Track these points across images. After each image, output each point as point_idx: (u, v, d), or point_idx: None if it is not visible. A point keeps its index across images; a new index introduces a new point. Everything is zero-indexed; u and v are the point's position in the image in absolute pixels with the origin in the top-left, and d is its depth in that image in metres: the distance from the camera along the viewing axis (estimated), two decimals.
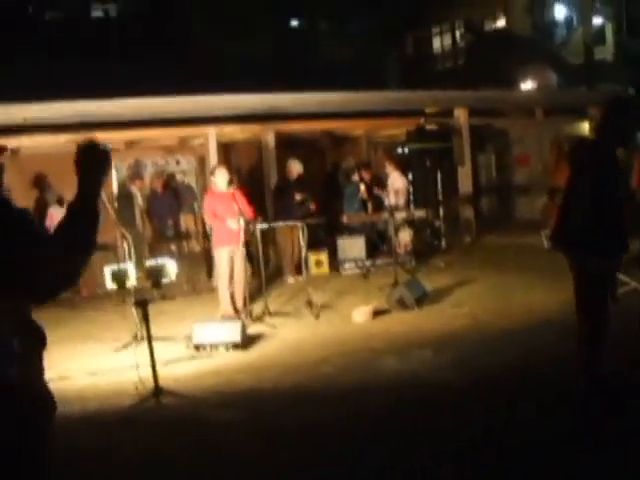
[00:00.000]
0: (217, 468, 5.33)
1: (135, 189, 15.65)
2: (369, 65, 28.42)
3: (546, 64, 30.78)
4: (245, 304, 10.48)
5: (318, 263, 14.03)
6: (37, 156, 16.63)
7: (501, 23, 34.12)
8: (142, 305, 6.49)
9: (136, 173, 16.92)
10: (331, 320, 10.05)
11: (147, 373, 7.13)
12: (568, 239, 5.95)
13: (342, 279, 13.48)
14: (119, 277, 8.74)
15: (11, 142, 14.51)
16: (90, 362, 8.69)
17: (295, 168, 13.66)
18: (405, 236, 14.29)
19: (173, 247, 15.51)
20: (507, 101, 19.30)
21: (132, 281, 8.80)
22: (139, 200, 15.57)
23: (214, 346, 8.64)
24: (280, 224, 12.10)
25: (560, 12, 33.51)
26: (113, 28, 28.59)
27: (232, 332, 8.68)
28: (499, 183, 22.76)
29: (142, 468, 5.44)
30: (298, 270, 13.12)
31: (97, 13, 30.24)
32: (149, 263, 8.64)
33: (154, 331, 9.75)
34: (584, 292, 5.89)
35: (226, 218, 10.23)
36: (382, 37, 31.53)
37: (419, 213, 13.80)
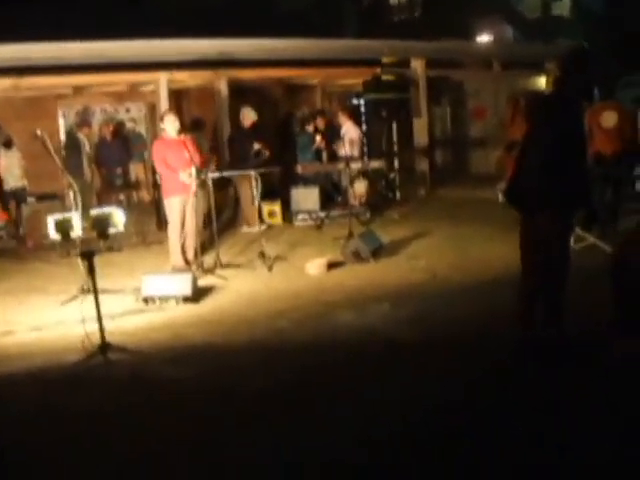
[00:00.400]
0: (166, 428, 5.07)
1: (83, 136, 15.17)
2: (324, 15, 27.92)
3: (503, 18, 30.62)
4: (196, 255, 10.19)
5: (271, 214, 13.73)
6: None
7: None
8: (87, 257, 6.15)
9: (84, 120, 16.41)
10: (285, 272, 9.79)
11: (94, 327, 6.83)
12: (521, 193, 5.77)
13: (296, 230, 13.20)
14: (63, 227, 8.34)
15: None
16: (35, 316, 8.36)
17: (249, 116, 13.29)
18: (360, 187, 14.05)
19: (122, 197, 15.10)
20: (464, 52, 19.03)
21: (77, 231, 8.41)
22: (87, 148, 15.10)
23: (164, 299, 8.36)
24: (234, 173, 11.76)
25: None
26: None
27: (182, 284, 8.39)
28: (454, 136, 22.59)
29: (88, 428, 5.16)
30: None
31: None
32: (95, 212, 8.19)
33: (102, 284, 9.41)
34: (525, 247, 5.88)
35: (177, 167, 9.89)
36: None
37: (374, 164, 13.54)
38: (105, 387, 5.99)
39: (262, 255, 10.22)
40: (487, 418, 4.88)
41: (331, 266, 9.66)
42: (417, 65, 17.48)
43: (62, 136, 17.67)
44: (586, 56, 5.88)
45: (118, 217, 8.26)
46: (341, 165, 12.87)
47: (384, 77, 17.06)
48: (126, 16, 20.25)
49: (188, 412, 5.32)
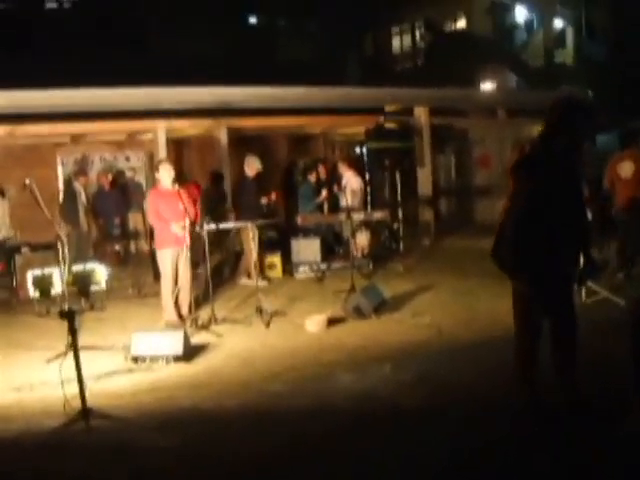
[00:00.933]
0: None
1: (79, 185, 14.85)
2: (327, 64, 27.78)
3: (506, 66, 30.49)
4: (190, 310, 9.77)
5: (271, 266, 13.32)
6: None
7: (461, 24, 33.78)
8: (68, 317, 5.71)
9: (81, 169, 16.12)
10: (283, 329, 9.34)
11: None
12: (501, 254, 5.44)
13: (296, 283, 12.77)
14: (42, 283, 7.88)
15: None
16: (18, 375, 7.90)
17: (254, 166, 12.89)
18: (362, 239, 13.67)
19: (119, 248, 14.73)
20: (469, 100, 18.76)
21: (58, 288, 7.95)
22: (82, 197, 14.76)
23: (154, 358, 7.91)
24: (231, 225, 11.40)
25: (521, 15, 33.30)
26: (66, 22, 27.65)
27: (173, 343, 7.95)
28: (458, 185, 22.29)
29: None
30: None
31: (51, 5, 29.17)
32: (76, 269, 7.70)
33: (92, 339, 9.11)
34: (515, 308, 5.67)
35: (170, 219, 9.53)
36: (341, 36, 30.88)
37: (377, 215, 13.14)
38: (84, 457, 5.52)
39: (259, 310, 9.79)
40: None
41: (331, 322, 9.22)
42: (420, 113, 17.22)
43: (61, 184, 17.44)
44: (577, 105, 5.49)
45: (100, 274, 7.76)
46: (342, 216, 12.47)
47: (387, 125, 16.81)
48: (126, 64, 20.00)
49: None
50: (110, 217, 15.34)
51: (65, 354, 7.92)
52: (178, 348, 7.89)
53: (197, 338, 8.94)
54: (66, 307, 5.48)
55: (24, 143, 16.25)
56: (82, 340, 8.82)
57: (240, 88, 14.38)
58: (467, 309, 9.72)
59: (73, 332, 5.72)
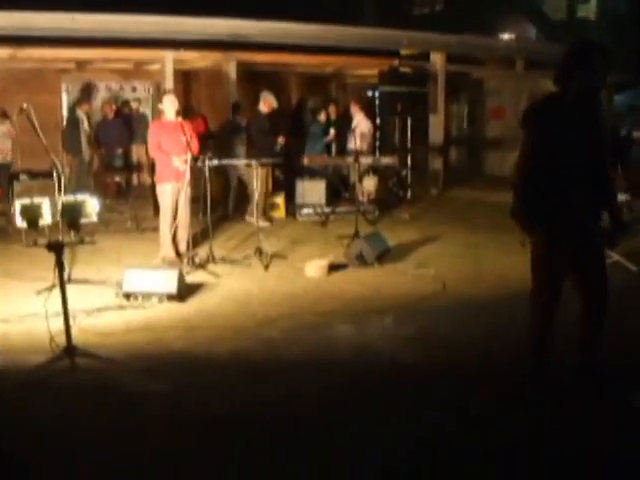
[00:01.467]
0: (128, 459, 4.36)
1: (82, 113, 14.47)
2: (343, 3, 27.09)
3: (526, 17, 29.78)
4: (188, 248, 9.46)
5: (274, 206, 12.99)
6: None
7: None
8: (55, 249, 5.39)
9: (84, 96, 15.71)
10: (282, 272, 9.03)
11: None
12: (520, 208, 5.03)
13: (298, 226, 12.45)
14: (30, 213, 7.49)
15: None
16: (6, 305, 7.62)
17: (270, 102, 12.47)
18: (369, 184, 13.31)
19: (120, 179, 14.39)
20: (487, 48, 18.19)
21: (47, 219, 7.60)
22: (85, 125, 14.39)
23: (146, 296, 7.62)
24: (234, 162, 11.05)
25: None
26: None
27: (167, 281, 7.64)
28: (470, 135, 21.85)
29: (41, 448, 4.45)
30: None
31: None
32: (65, 200, 7.32)
33: (84, 272, 8.84)
34: (532, 266, 5.22)
35: (171, 153, 9.18)
36: None
37: (386, 160, 12.74)
38: (65, 398, 5.26)
39: (259, 252, 9.48)
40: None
41: (332, 268, 8.91)
42: (437, 59, 16.73)
43: (65, 112, 17.08)
44: (593, 45, 5.03)
45: (91, 206, 7.39)
46: (350, 159, 12.08)
47: (401, 69, 16.31)
48: None
49: (152, 437, 4.60)
50: (112, 147, 14.99)
51: (52, 288, 7.72)
52: (172, 286, 7.59)
53: (193, 277, 8.66)
54: (54, 239, 5.12)
55: (28, 67, 15.85)
56: (75, 273, 8.70)
57: (252, 21, 13.88)
58: (474, 264, 9.40)
59: (60, 266, 5.41)
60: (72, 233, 6.11)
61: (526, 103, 19.48)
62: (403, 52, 16.41)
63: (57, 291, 5.75)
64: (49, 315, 6.16)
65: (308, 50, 15.41)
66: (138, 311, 7.40)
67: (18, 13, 11.96)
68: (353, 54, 16.35)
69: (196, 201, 10.42)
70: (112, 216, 12.84)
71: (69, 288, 8.17)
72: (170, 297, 7.60)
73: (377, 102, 18.69)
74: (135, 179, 15.70)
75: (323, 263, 8.80)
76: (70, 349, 5.75)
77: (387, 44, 15.88)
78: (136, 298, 7.64)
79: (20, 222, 7.64)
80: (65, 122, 15.48)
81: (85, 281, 8.49)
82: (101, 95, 17.39)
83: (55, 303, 6.08)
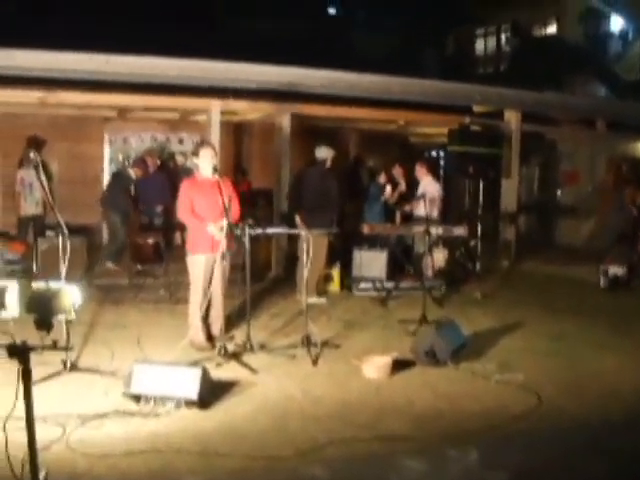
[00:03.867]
0: None
1: (134, 175, 13.18)
2: (405, 62, 25.79)
3: (596, 77, 28.26)
4: (221, 330, 7.88)
5: (328, 279, 11.35)
6: (8, 116, 14.25)
7: (551, 29, 31.57)
8: (18, 355, 3.76)
9: (141, 159, 14.34)
10: (334, 370, 7.30)
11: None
12: None
13: (355, 303, 10.77)
14: None
15: None
16: None
17: (329, 152, 10.95)
18: (439, 257, 11.60)
19: (157, 240, 12.88)
20: (567, 107, 16.48)
21: (11, 311, 5.89)
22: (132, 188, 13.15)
23: (160, 400, 6.00)
24: (281, 231, 9.48)
25: (616, 24, 30.90)
26: None
27: (188, 382, 5.99)
28: (541, 201, 20.11)
29: None
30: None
31: None
32: (35, 287, 5.59)
33: (96, 356, 7.35)
34: None
35: (206, 217, 7.64)
36: (421, 34, 28.97)
37: (459, 230, 11.03)
38: None
39: (307, 341, 7.82)
40: None
41: (395, 365, 7.19)
42: (511, 117, 15.11)
43: (105, 163, 15.91)
44: None
45: (68, 298, 5.67)
46: (418, 228, 10.41)
47: (472, 128, 14.74)
48: (189, 39, 18.20)
49: None
50: (152, 204, 13.61)
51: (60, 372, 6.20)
52: (193, 390, 5.95)
53: (224, 371, 7.03)
54: (16, 341, 3.53)
55: (67, 114, 14.61)
56: (84, 355, 7.19)
57: (309, 70, 12.41)
58: (567, 365, 7.60)
59: (25, 376, 3.80)
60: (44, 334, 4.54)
61: (605, 167, 17.87)
62: (476, 109, 14.81)
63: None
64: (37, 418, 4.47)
65: (369, 104, 13.91)
66: (147, 421, 5.75)
67: (47, 53, 10.61)
68: (419, 110, 14.80)
69: (236, 270, 8.88)
70: (145, 282, 11.42)
71: (71, 377, 6.73)
72: (189, 403, 5.97)
73: (441, 164, 17.19)
74: (178, 239, 14.26)
75: (385, 362, 7.08)
76: None
77: (458, 100, 14.30)
78: (147, 401, 6.02)
79: None
80: (111, 177, 14.14)
81: (91, 369, 6.95)
82: (145, 146, 16.13)
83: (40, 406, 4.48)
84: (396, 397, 6.47)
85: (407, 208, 12.71)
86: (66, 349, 6.07)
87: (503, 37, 33.42)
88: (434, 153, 19.79)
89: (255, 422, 5.79)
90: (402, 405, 6.25)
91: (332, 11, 32.39)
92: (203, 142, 8.54)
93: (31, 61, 10.60)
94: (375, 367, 7.03)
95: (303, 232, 8.20)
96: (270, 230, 8.58)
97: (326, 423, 5.76)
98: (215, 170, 7.69)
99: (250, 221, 7.69)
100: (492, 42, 33.99)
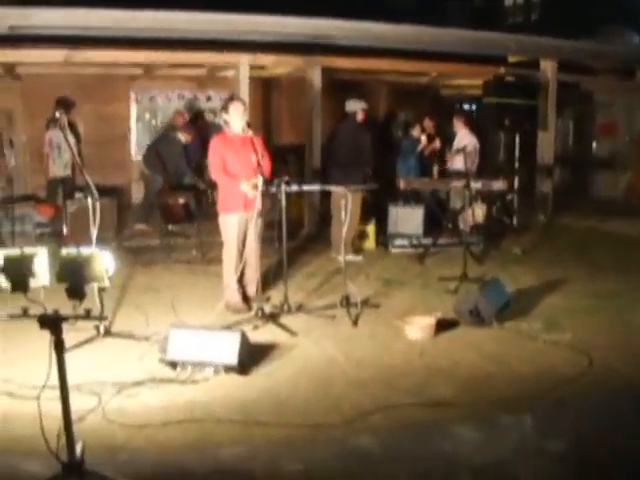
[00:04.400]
0: None
1: (183, 138, 12.96)
2: (427, 13, 25.19)
3: (630, 26, 27.48)
4: (258, 290, 7.63)
5: (363, 236, 11.07)
6: (33, 77, 14.00)
7: None
8: (49, 325, 3.54)
9: (190, 124, 14.04)
10: (375, 331, 7.05)
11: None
12: None
13: (391, 260, 10.50)
14: (15, 270, 5.37)
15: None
16: (21, 367, 5.87)
17: (360, 105, 10.63)
18: (478, 212, 11.24)
19: (187, 199, 12.62)
20: (606, 55, 15.92)
21: (40, 279, 5.61)
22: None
23: (198, 365, 5.79)
24: (317, 187, 9.19)
25: None
26: None
27: (226, 347, 5.76)
28: (576, 154, 19.62)
29: None
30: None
31: None
32: (63, 255, 5.27)
33: (130, 321, 7.18)
34: None
35: (239, 175, 7.37)
36: None
37: (498, 185, 10.67)
38: None
39: (346, 301, 7.57)
40: None
41: (439, 325, 6.94)
42: (547, 67, 14.61)
43: (132, 122, 15.63)
44: None
45: (100, 264, 5.38)
46: (457, 182, 10.07)
47: (507, 79, 14.30)
48: None
49: None
50: (182, 162, 13.36)
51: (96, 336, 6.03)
52: (232, 355, 5.73)
53: (261, 333, 6.82)
54: (48, 310, 3.32)
55: (92, 73, 14.31)
56: (118, 320, 7.02)
57: (339, 21, 12.02)
58: (617, 324, 7.27)
59: (59, 348, 3.59)
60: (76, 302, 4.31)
61: None
62: (511, 59, 14.35)
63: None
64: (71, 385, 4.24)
65: (400, 55, 13.49)
66: (184, 388, 5.55)
67: (70, 10, 10.31)
68: (451, 61, 14.36)
69: (270, 228, 8.63)
70: (176, 242, 11.21)
71: (105, 343, 6.55)
72: (228, 369, 5.75)
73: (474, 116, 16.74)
74: (209, 196, 14.01)
75: (428, 323, 6.82)
76: (72, 466, 3.89)
77: (492, 49, 13.82)
78: (184, 367, 5.81)
79: (2, 282, 5.60)
80: (158, 138, 13.82)
81: (126, 335, 6.75)
82: (173, 104, 15.82)
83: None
84: (441, 359, 6.21)
85: (448, 163, 12.35)
86: (100, 319, 5.84)
87: None
88: (466, 106, 19.32)
89: (297, 387, 5.57)
90: (448, 368, 6.00)
91: None
92: (233, 97, 8.20)
93: (55, 19, 10.30)
94: (418, 328, 6.78)
95: (341, 189, 7.89)
96: (306, 187, 8.31)
97: (370, 388, 5.53)
98: (248, 125, 7.41)
99: (286, 178, 7.41)
100: None
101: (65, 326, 3.60)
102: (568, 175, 19.70)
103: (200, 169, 13.53)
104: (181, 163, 12.77)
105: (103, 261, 5.41)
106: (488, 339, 6.75)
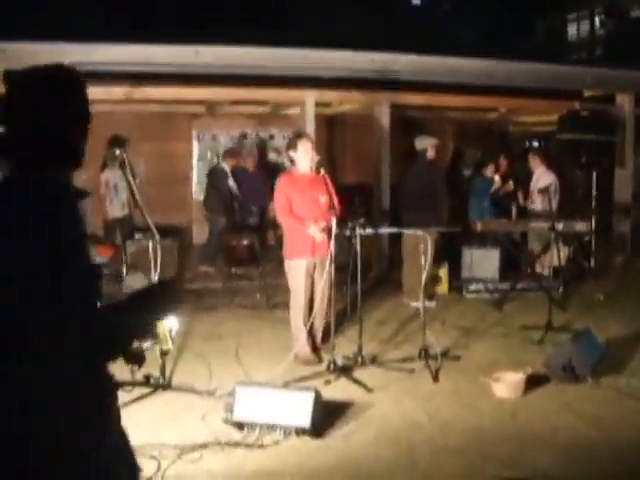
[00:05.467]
0: None
1: (227, 167, 12.65)
2: (493, 50, 24.72)
3: None
4: (327, 337, 7.08)
5: (435, 280, 10.48)
6: (98, 115, 13.73)
7: None
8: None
9: (234, 148, 13.79)
10: (459, 387, 6.44)
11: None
12: None
13: (467, 307, 9.87)
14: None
15: None
16: None
17: (431, 141, 10.13)
18: (557, 254, 10.56)
19: (253, 241, 12.19)
20: None
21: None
22: (231, 181, 12.60)
23: (267, 428, 5.25)
24: (394, 230, 8.66)
25: None
26: None
27: (299, 407, 5.23)
28: None
29: None
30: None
31: None
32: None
33: (191, 372, 6.70)
34: None
35: (307, 217, 6.88)
36: (510, 22, 27.84)
37: (580, 226, 9.99)
38: None
39: (425, 353, 6.98)
40: None
41: (529, 382, 6.31)
42: (624, 101, 13.95)
43: (194, 160, 15.38)
44: None
45: (164, 323, 4.93)
46: (538, 224, 9.43)
47: (583, 114, 13.66)
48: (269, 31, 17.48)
49: None
50: (249, 203, 13.00)
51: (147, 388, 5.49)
52: (304, 416, 5.19)
53: (334, 389, 6.26)
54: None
55: (155, 111, 14.07)
56: (178, 371, 6.60)
57: (408, 56, 11.55)
58: None
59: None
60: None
61: None
62: (587, 93, 13.72)
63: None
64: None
65: (470, 90, 12.96)
66: (252, 452, 5.02)
67: (132, 46, 10.03)
68: (523, 96, 13.79)
69: (337, 271, 8.11)
70: (240, 285, 10.78)
71: (165, 398, 6.06)
72: (300, 431, 5.21)
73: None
74: (272, 238, 13.61)
75: (518, 379, 6.20)
76: None
77: (567, 84, 13.22)
78: (252, 429, 5.28)
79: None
80: (207, 177, 13.53)
81: (187, 389, 6.25)
82: (233, 142, 15.53)
83: None
84: (536, 422, 5.58)
85: (529, 202, 11.75)
86: (161, 387, 5.33)
87: (597, 21, 32.25)
88: (535, 143, 18.71)
89: (378, 454, 4.99)
90: (546, 433, 5.36)
91: (416, 1, 31.60)
92: (300, 134, 7.71)
93: (116, 55, 10.04)
94: (507, 385, 6.17)
95: (420, 232, 7.32)
96: (383, 230, 7.79)
97: (460, 457, 4.93)
98: (319, 164, 6.93)
99: (361, 220, 6.89)
100: (585, 27, 32.81)
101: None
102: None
103: (265, 209, 13.17)
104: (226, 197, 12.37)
105: (166, 319, 4.94)
106: (585, 398, 6.09)
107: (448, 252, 10.93)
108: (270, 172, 14.09)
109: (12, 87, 2.38)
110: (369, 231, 7.14)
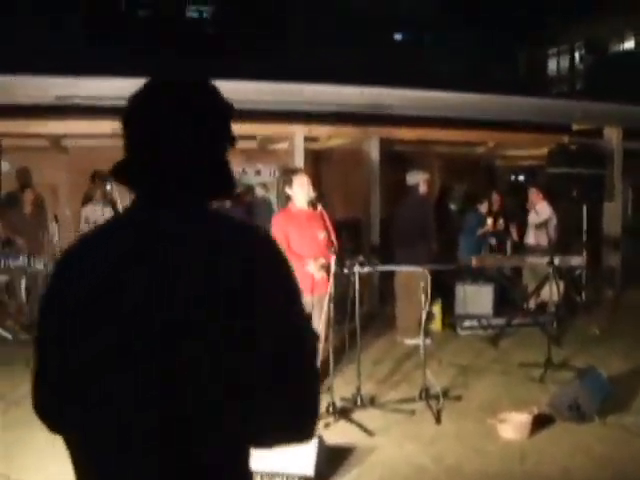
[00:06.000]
0: None
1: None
2: (475, 83, 24.83)
3: None
4: (324, 378, 6.84)
5: (429, 317, 10.29)
6: (80, 149, 13.60)
7: (629, 45, 30.50)
8: None
9: None
10: (462, 428, 6.24)
11: None
12: None
13: (462, 344, 9.69)
14: None
15: (44, 127, 11.38)
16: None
17: (423, 176, 10.01)
18: (554, 289, 10.43)
19: None
20: None
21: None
22: None
23: (271, 476, 5.03)
24: (394, 268, 8.49)
25: None
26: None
27: (301, 455, 5.02)
28: (635, 225, 18.79)
29: None
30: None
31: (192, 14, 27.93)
32: None
33: None
34: None
35: (305, 254, 6.72)
36: (491, 56, 28.08)
37: (576, 260, 9.89)
38: None
39: (426, 394, 6.79)
40: None
41: (535, 423, 6.12)
42: (612, 135, 13.93)
43: None
44: None
45: None
46: (535, 259, 9.30)
47: (571, 147, 13.63)
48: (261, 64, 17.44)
49: None
50: None
51: None
52: (307, 464, 4.98)
53: (334, 432, 6.05)
54: None
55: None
56: None
57: (399, 90, 11.48)
58: None
59: None
60: None
61: None
62: (575, 127, 13.68)
63: None
64: None
65: (460, 125, 12.89)
66: None
67: (119, 79, 9.85)
68: (511, 130, 13.72)
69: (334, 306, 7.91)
70: None
71: None
72: (303, 479, 4.99)
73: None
74: None
75: (524, 420, 6.02)
76: None
77: (557, 117, 13.17)
78: (260, 478, 5.06)
79: None
80: None
81: None
82: None
83: None
84: (546, 465, 5.40)
85: (531, 239, 11.65)
86: None
87: (577, 55, 32.65)
88: (521, 177, 18.70)
89: None
90: (556, 476, 5.19)
91: (398, 37, 31.82)
92: (296, 170, 7.63)
93: (102, 89, 9.93)
94: (513, 426, 5.98)
95: (418, 269, 7.16)
96: (382, 268, 7.63)
97: None
98: (317, 200, 6.79)
99: (360, 258, 6.73)
100: (565, 61, 33.26)
101: None
102: (628, 247, 18.89)
103: None
104: None
105: None
106: (593, 438, 5.92)
107: (440, 288, 10.79)
108: (252, 208, 13.97)
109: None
110: (367, 269, 6.96)
